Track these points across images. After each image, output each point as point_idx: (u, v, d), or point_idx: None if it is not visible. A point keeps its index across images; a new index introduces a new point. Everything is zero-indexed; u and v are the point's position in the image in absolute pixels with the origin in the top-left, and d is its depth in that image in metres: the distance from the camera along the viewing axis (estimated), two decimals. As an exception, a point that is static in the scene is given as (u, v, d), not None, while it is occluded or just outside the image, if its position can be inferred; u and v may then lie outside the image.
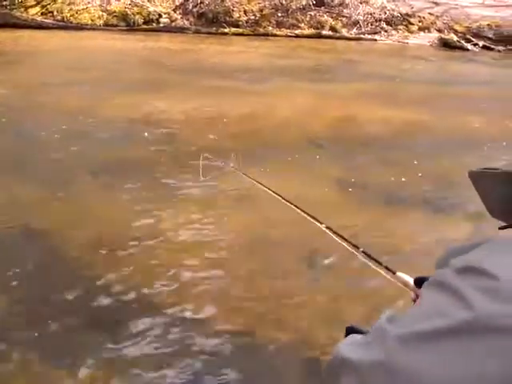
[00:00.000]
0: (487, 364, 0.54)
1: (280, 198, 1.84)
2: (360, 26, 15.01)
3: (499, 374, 0.54)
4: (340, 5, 15.87)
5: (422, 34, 14.98)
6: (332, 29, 14.90)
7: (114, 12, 14.49)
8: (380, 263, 1.48)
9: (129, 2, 15.07)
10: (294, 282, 3.36)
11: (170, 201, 4.33)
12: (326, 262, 3.49)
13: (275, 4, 15.65)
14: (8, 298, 3.13)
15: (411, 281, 1.22)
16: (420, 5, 16.23)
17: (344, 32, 14.81)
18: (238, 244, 3.76)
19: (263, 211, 3.94)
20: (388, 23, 15.21)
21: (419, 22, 15.32)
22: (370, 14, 15.36)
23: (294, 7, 15.42)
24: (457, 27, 15.02)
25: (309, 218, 1.68)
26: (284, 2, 15.57)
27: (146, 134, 5.86)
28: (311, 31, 14.71)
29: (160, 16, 14.71)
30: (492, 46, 14.09)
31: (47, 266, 3.46)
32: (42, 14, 13.96)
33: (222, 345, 2.81)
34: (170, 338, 2.85)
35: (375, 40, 14.55)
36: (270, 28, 14.79)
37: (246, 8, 15.39)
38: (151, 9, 14.82)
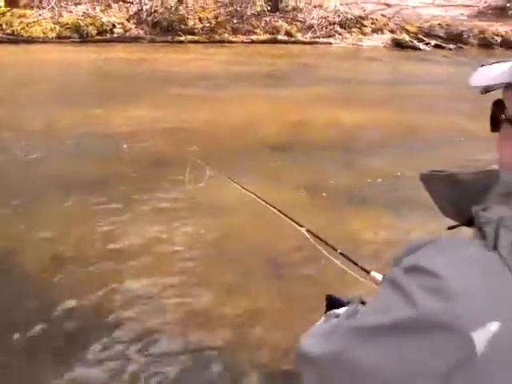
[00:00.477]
0: (429, 359, 0.57)
1: (264, 203, 2.03)
2: (315, 29, 15.17)
3: (440, 368, 0.56)
4: (294, 9, 16.03)
5: (375, 35, 15.24)
6: (287, 33, 15.02)
7: (67, 24, 14.25)
8: (356, 264, 1.64)
9: (81, 14, 14.86)
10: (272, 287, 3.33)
11: (132, 212, 4.25)
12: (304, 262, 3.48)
13: (230, 11, 15.68)
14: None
15: None
16: (372, 7, 16.53)
17: (299, 36, 14.95)
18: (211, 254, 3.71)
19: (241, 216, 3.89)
20: (342, 26, 15.42)
21: (372, 23, 15.59)
22: (324, 17, 15.55)
23: (248, 13, 15.48)
24: (409, 27, 15.34)
25: (291, 222, 1.87)
26: (239, 9, 15.62)
27: (103, 146, 5.76)
28: (267, 36, 14.79)
29: (114, 26, 14.54)
30: (443, 45, 14.46)
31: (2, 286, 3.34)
32: (-10, 27, 13.68)
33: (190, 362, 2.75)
34: (132, 357, 2.77)
35: (330, 43, 14.72)
36: (226, 35, 14.80)
37: (201, 15, 15.37)
38: (104, 19, 14.64)
